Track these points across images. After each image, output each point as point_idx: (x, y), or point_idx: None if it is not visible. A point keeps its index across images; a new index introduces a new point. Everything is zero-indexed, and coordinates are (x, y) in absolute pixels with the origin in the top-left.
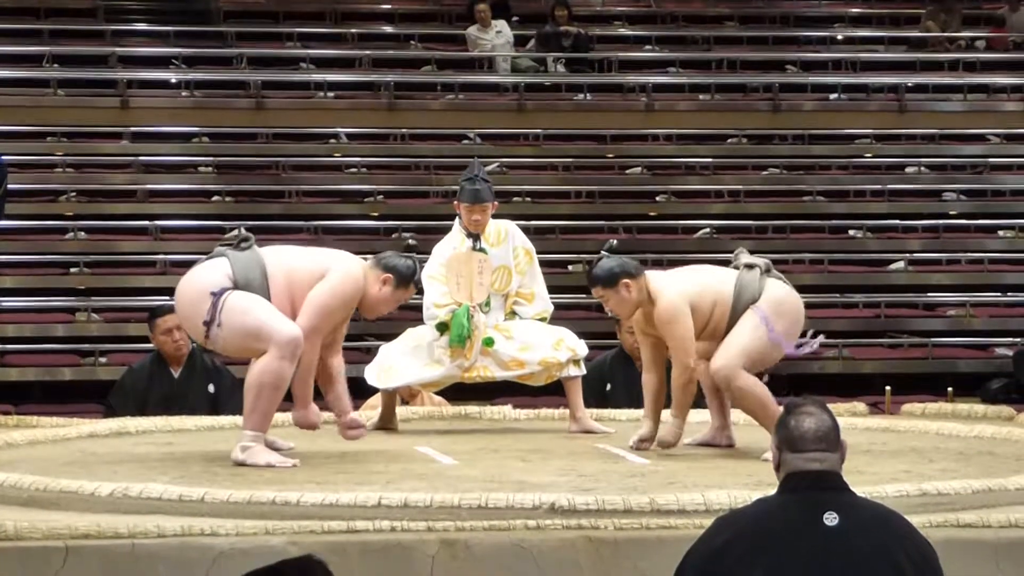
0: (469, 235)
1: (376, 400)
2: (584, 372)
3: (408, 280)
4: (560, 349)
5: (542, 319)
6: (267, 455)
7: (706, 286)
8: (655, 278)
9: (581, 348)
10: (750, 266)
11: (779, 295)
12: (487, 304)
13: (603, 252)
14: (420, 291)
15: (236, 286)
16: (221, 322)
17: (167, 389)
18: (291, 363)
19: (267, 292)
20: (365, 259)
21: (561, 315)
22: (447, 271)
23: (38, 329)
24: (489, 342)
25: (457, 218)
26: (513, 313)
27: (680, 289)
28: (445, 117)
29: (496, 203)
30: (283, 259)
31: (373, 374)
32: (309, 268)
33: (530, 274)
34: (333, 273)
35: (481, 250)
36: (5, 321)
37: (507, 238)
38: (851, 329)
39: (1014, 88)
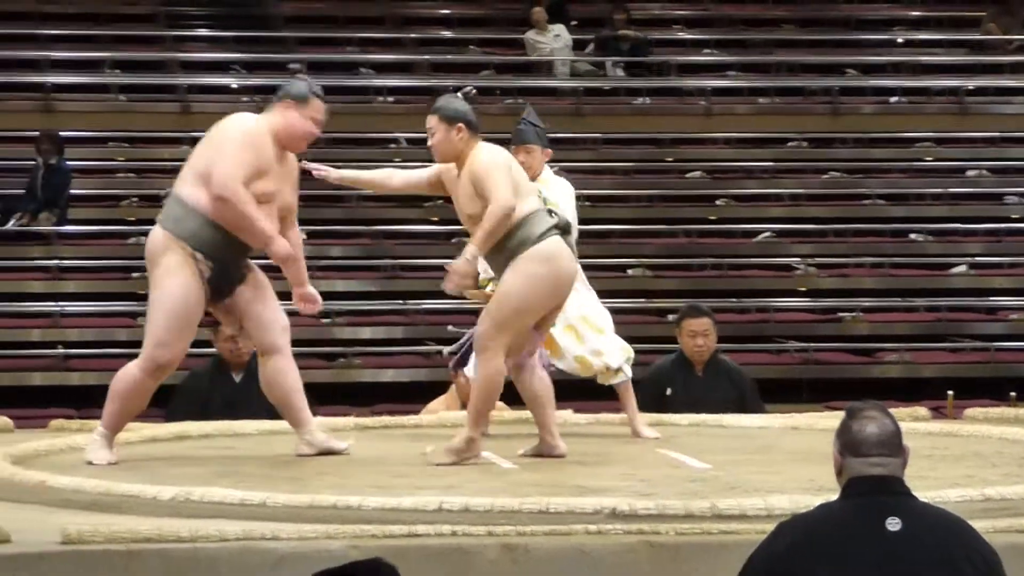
0: None
1: (436, 404)
2: (629, 376)
3: (305, 96)
4: (598, 358)
5: None
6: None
7: (525, 190)
8: (485, 145)
9: (614, 360)
10: (552, 213)
11: (546, 250)
12: None
13: (460, 93)
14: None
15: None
16: None
17: (228, 394)
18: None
19: None
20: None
21: (619, 320)
22: None
23: (100, 333)
24: None
25: None
26: None
27: (505, 160)
28: (503, 121)
29: (549, 151)
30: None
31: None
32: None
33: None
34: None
35: None
36: (68, 325)
37: None
38: (912, 333)
39: None
